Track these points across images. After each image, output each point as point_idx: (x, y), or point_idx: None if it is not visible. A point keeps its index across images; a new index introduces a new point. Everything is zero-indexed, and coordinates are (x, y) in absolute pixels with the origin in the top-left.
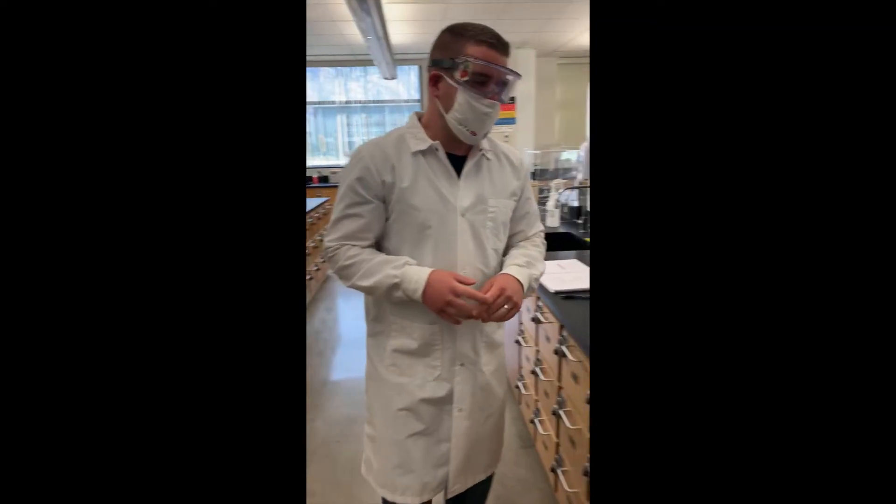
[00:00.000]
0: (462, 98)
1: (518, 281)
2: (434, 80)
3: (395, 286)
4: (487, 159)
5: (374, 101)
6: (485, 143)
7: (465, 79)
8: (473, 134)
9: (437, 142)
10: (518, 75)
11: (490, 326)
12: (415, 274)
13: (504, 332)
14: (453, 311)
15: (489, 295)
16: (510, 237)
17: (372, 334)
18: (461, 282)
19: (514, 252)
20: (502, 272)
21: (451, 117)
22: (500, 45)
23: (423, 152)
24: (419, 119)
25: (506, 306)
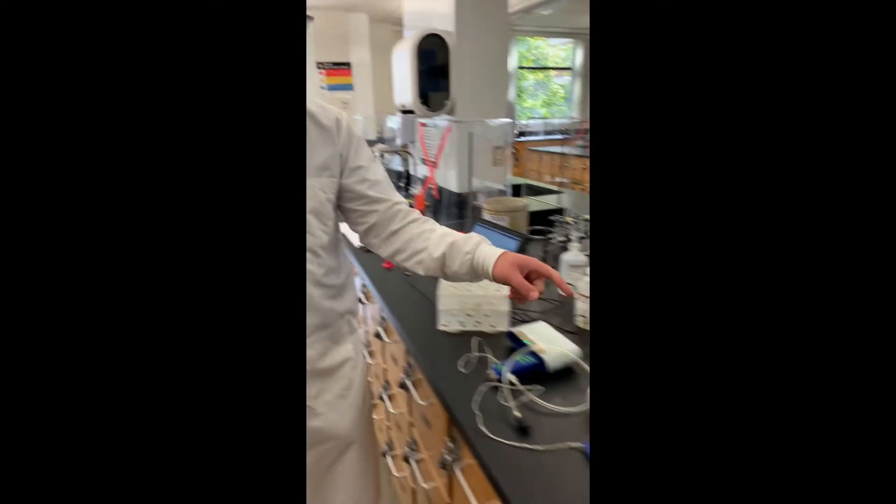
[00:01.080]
0: None
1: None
2: None
3: None
4: None
5: None
6: None
7: None
8: None
9: None
10: None
11: (311, 351)
12: None
13: (351, 347)
14: None
15: (535, 287)
16: (371, 227)
17: None
18: None
19: (443, 239)
20: (496, 261)
21: None
22: None
23: None
24: None
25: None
